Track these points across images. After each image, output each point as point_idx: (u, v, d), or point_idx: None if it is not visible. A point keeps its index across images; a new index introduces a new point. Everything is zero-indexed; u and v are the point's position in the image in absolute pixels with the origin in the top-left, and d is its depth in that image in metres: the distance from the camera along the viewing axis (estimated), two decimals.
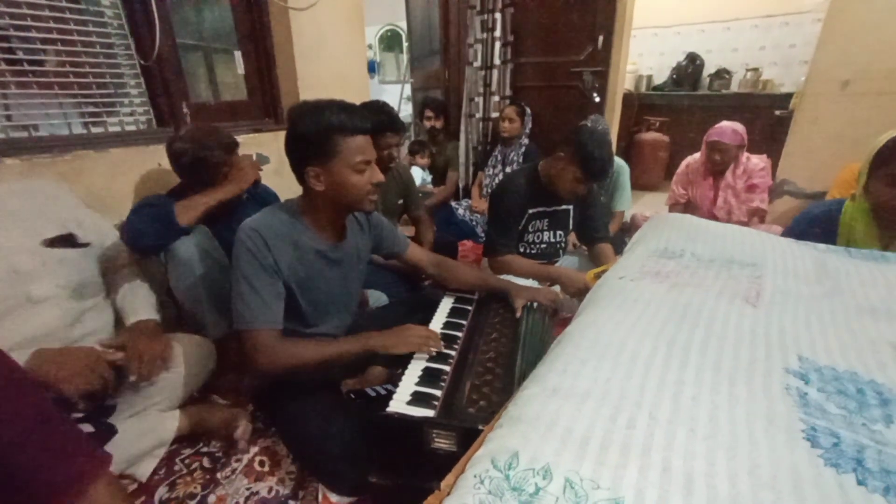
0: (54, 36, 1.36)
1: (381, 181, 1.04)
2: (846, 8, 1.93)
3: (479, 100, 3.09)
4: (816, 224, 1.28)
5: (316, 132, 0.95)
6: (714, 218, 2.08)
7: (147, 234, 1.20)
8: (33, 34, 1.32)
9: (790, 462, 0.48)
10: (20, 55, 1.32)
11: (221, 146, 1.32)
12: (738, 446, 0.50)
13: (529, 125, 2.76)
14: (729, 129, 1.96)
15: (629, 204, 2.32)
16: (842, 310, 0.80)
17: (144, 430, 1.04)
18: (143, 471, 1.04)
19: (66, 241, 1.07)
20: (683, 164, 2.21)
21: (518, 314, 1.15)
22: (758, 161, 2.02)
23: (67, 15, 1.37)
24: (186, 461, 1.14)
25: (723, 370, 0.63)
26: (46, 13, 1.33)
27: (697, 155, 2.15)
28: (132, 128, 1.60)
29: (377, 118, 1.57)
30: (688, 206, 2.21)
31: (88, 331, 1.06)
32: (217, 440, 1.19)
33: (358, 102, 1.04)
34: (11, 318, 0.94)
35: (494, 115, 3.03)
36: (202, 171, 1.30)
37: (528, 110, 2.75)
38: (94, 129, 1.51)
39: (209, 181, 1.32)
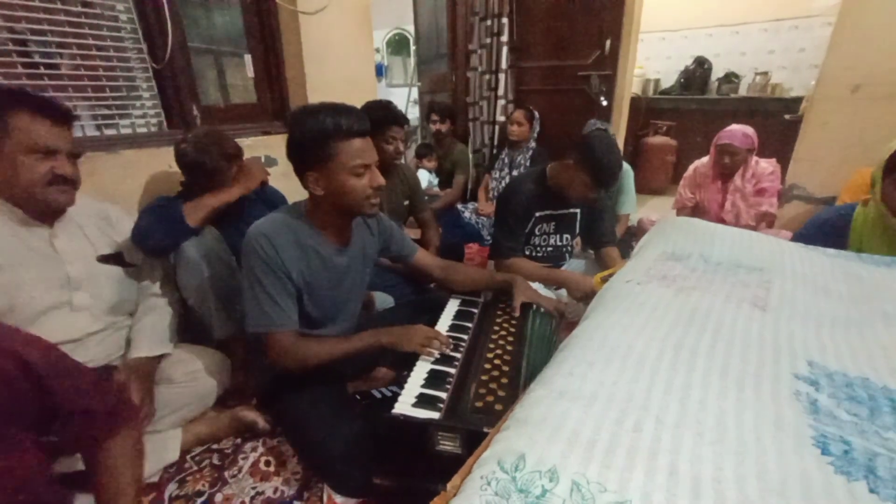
0: (69, 40, 1.39)
1: (382, 185, 1.04)
2: (856, 11, 1.91)
3: (484, 104, 3.10)
4: (827, 229, 1.27)
5: (312, 137, 0.95)
6: (722, 222, 2.06)
7: (156, 234, 1.21)
8: (49, 38, 1.35)
9: (799, 469, 0.48)
10: (36, 58, 1.35)
11: (223, 155, 1.34)
12: (746, 451, 0.50)
13: (538, 129, 2.77)
14: (739, 132, 1.94)
15: (634, 207, 2.31)
16: (852, 315, 0.79)
17: (148, 453, 1.05)
18: (151, 479, 1.06)
19: (117, 259, 1.15)
20: (691, 167, 2.19)
21: (516, 313, 1.15)
22: (766, 165, 1.99)
23: (82, 20, 1.40)
24: (196, 458, 1.15)
25: (730, 375, 0.62)
26: (62, 17, 1.35)
27: (706, 159, 2.13)
28: (143, 130, 1.62)
29: (380, 114, 1.59)
30: (695, 210, 2.20)
31: (106, 350, 1.10)
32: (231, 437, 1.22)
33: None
34: (52, 317, 1.01)
35: (501, 118, 3.04)
36: (201, 174, 1.33)
37: (537, 114, 2.75)
38: (107, 131, 1.53)
39: (207, 185, 1.33)
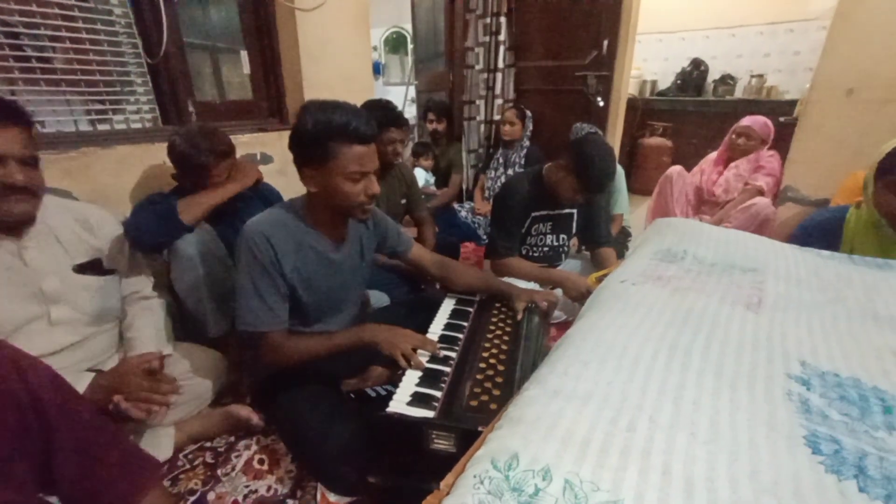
0: (63, 34, 1.37)
1: (377, 193, 1.03)
2: (852, 15, 1.92)
3: (481, 103, 3.10)
4: (820, 231, 1.28)
5: (314, 134, 0.95)
6: (712, 195, 2.22)
7: (150, 231, 1.20)
8: (42, 31, 1.34)
9: (791, 468, 0.48)
10: (29, 52, 1.34)
11: (212, 151, 1.31)
12: (739, 451, 0.50)
13: (530, 128, 2.77)
14: (762, 120, 2.10)
15: (627, 206, 2.33)
16: (844, 316, 0.80)
17: None
18: None
19: (95, 267, 1.07)
20: (704, 159, 2.35)
21: (519, 316, 1.15)
22: (768, 151, 2.13)
23: (76, 13, 1.38)
24: (189, 456, 1.15)
25: (724, 375, 0.63)
26: (55, 11, 1.34)
27: (714, 153, 2.26)
28: (138, 125, 1.61)
29: (378, 114, 1.58)
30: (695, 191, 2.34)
31: (90, 354, 1.06)
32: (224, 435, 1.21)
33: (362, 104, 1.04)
34: (28, 332, 0.95)
35: (498, 118, 3.04)
36: (189, 169, 1.31)
37: (529, 113, 2.76)
38: (101, 127, 1.52)
39: (196, 180, 1.32)
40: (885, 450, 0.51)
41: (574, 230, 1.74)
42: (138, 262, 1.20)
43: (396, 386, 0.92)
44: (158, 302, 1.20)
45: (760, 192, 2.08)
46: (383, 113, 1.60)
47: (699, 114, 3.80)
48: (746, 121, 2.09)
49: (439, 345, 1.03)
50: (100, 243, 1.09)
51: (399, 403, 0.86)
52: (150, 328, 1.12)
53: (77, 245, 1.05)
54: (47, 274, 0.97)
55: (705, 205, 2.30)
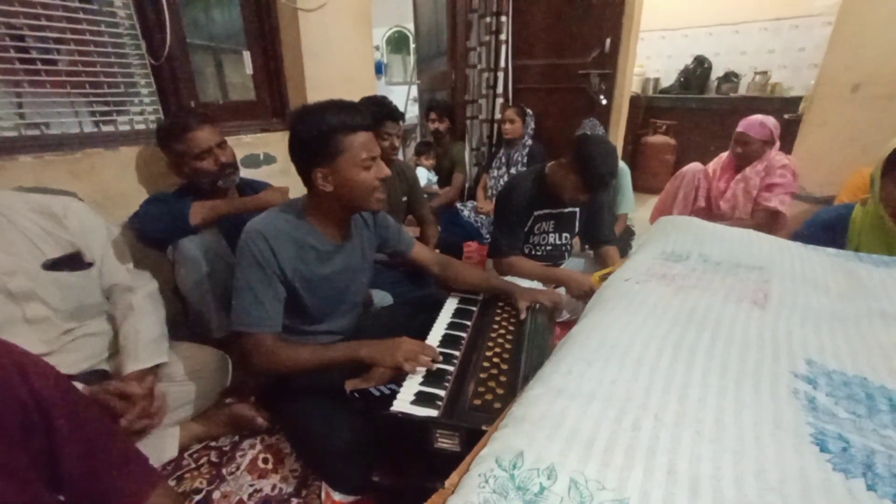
0: (67, 36, 1.38)
1: (388, 175, 1.05)
2: (856, 11, 1.91)
3: (483, 102, 3.10)
4: (826, 228, 1.27)
5: (319, 134, 0.96)
6: (718, 209, 2.02)
7: (154, 225, 1.22)
8: (47, 34, 1.34)
9: (798, 466, 0.48)
10: (34, 54, 1.34)
11: (194, 114, 1.34)
12: (745, 450, 0.50)
13: (532, 126, 2.76)
14: (757, 122, 1.88)
15: (632, 206, 2.31)
16: (851, 314, 0.79)
17: (147, 451, 1.04)
18: None
19: (68, 263, 1.03)
20: (716, 158, 2.13)
21: (522, 315, 1.15)
22: (780, 158, 1.89)
23: (80, 15, 1.39)
24: (194, 455, 1.15)
25: (729, 373, 0.62)
26: (60, 13, 1.35)
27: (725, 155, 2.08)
28: (142, 126, 1.62)
29: (374, 110, 1.61)
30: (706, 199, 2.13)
31: (86, 354, 1.05)
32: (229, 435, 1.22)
33: None
34: (8, 333, 0.92)
35: (500, 116, 3.04)
36: (174, 141, 1.32)
37: (529, 111, 2.75)
38: (105, 128, 1.52)
39: (184, 155, 1.31)
40: (893, 448, 0.50)
41: (577, 229, 1.74)
42: (119, 250, 1.14)
43: (400, 385, 0.92)
44: (143, 294, 1.14)
45: (774, 214, 1.87)
46: (378, 108, 1.64)
47: (703, 111, 3.78)
48: (741, 126, 1.90)
49: (441, 347, 1.03)
50: (73, 236, 1.04)
51: (403, 402, 0.86)
52: (133, 337, 1.06)
53: (47, 239, 1.00)
54: (13, 273, 0.94)
55: (711, 212, 2.10)
